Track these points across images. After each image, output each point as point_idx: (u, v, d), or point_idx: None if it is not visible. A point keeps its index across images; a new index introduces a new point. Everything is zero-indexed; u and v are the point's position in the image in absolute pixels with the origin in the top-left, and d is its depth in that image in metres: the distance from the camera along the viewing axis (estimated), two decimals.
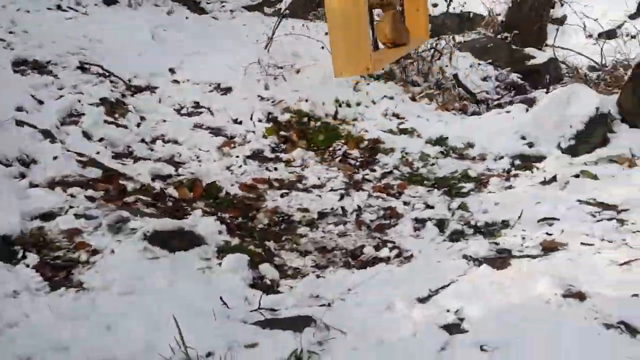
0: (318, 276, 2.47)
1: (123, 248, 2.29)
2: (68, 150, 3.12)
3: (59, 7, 5.00)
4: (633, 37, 9.41)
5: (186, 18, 6.02)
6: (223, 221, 2.78)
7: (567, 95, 3.96)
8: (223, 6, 6.86)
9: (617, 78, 5.38)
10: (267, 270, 2.43)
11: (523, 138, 3.90)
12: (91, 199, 2.74)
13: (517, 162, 3.64)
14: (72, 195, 2.70)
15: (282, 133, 4.04)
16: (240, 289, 2.21)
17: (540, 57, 6.72)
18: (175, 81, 4.50)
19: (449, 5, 5.68)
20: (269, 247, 2.72)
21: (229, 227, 2.75)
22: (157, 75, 4.48)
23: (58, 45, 4.33)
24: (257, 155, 3.74)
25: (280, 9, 8.62)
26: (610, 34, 10.30)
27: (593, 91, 4.02)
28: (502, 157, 3.70)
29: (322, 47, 5.07)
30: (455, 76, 5.64)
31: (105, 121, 3.64)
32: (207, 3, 6.91)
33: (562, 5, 12.79)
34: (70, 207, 2.55)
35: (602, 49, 6.58)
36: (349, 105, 4.57)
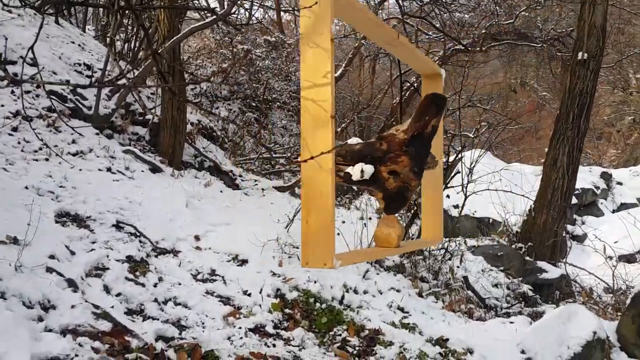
0: None
1: None
2: (86, 301, 3.35)
3: (109, 169, 5.56)
4: None
5: (220, 191, 6.55)
6: None
7: (567, 315, 4.09)
8: (256, 184, 7.44)
9: (624, 303, 5.47)
10: None
11: (523, 352, 3.98)
12: (96, 350, 2.93)
13: None
14: (80, 345, 2.90)
15: (287, 310, 4.21)
16: None
17: (552, 272, 6.91)
18: (198, 248, 4.83)
19: (462, 208, 6.08)
20: None
21: None
22: (183, 240, 4.83)
23: (101, 203, 4.77)
24: (258, 329, 3.88)
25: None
26: (630, 258, 10.55)
27: (592, 314, 4.14)
28: None
29: (338, 234, 5.41)
30: (466, 279, 5.84)
31: (126, 278, 3.92)
32: (242, 180, 7.52)
33: (582, 223, 13.26)
34: (76, 355, 2.73)
35: (613, 273, 6.70)
36: (355, 292, 4.77)
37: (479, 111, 9.98)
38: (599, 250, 7.86)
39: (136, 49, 8.78)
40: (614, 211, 13.87)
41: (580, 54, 7.34)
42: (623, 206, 14.07)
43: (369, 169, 1.77)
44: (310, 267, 1.29)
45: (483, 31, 14.49)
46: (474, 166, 5.84)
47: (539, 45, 14.47)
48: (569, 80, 7.57)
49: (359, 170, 1.75)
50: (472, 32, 14.42)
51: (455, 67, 13.61)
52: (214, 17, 6.66)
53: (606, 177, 14.97)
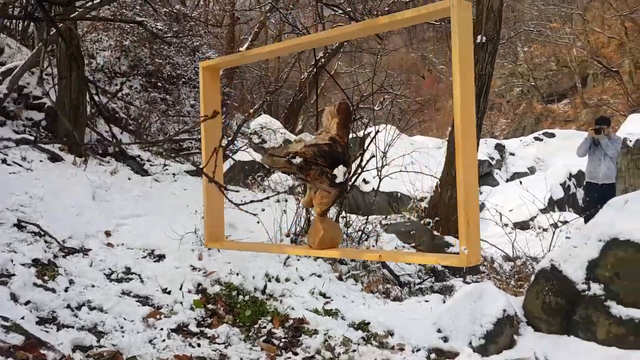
0: None
1: None
2: None
3: (4, 161, 5.13)
4: (544, 229, 10.39)
5: (128, 179, 6.25)
6: None
7: (479, 293, 4.29)
8: (166, 169, 7.16)
9: (526, 277, 5.82)
10: None
11: (439, 331, 4.13)
12: None
13: (433, 355, 3.84)
14: None
15: (209, 306, 4.12)
16: None
17: (458, 245, 7.23)
18: (110, 244, 4.58)
19: (377, 191, 6.21)
20: None
21: None
22: (92, 237, 4.57)
23: None
24: (182, 329, 3.77)
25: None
26: (524, 225, 11.39)
27: (501, 292, 4.36)
28: (419, 350, 3.90)
29: (258, 222, 5.36)
30: (366, 250, 6.00)
31: (34, 284, 3.64)
32: (151, 165, 7.21)
33: (480, 193, 14.01)
34: None
35: (513, 244, 7.05)
36: (278, 281, 4.75)
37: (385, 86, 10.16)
38: (495, 219, 8.33)
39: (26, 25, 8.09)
40: (507, 180, 14.79)
41: (479, 37, 7.62)
42: (516, 175, 15.04)
43: (345, 172, 1.73)
44: (471, 265, 1.42)
45: (386, 9, 14.72)
46: (387, 150, 5.95)
47: (438, 23, 14.92)
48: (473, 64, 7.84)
49: (342, 173, 1.70)
50: (376, 9, 14.59)
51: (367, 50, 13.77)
52: None
53: (500, 148, 15.88)
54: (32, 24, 7.74)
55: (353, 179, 6.15)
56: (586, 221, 7.13)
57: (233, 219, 5.36)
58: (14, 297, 3.45)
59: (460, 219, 1.41)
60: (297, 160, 1.69)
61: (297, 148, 1.72)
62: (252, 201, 1.49)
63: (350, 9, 13.18)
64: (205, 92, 1.96)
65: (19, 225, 4.24)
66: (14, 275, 3.62)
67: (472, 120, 1.44)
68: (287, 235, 5.38)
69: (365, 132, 6.58)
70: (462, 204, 1.39)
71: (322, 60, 12.60)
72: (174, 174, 7.03)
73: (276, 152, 1.76)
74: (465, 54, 1.39)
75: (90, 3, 4.98)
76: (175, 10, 13.05)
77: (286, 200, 6.76)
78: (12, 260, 3.75)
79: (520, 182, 11.75)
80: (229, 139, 8.21)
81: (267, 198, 1.58)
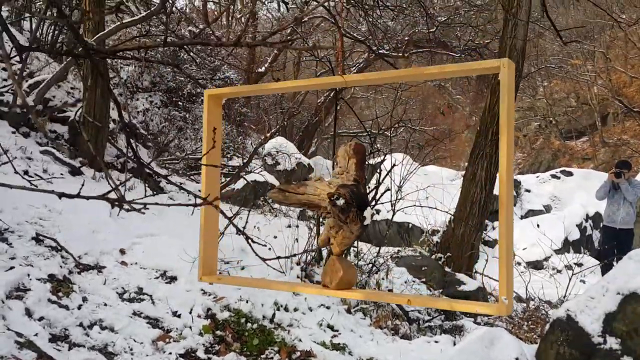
0: None
1: None
2: (8, 329, 3.13)
3: (26, 172, 5.21)
4: (559, 271, 10.28)
5: (145, 196, 6.30)
6: None
7: (491, 338, 4.25)
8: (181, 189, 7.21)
9: (539, 321, 5.76)
10: None
11: None
12: None
13: None
14: None
15: (218, 332, 4.13)
16: None
17: (470, 284, 7.18)
18: (124, 263, 4.63)
19: (390, 224, 6.22)
20: None
21: None
22: (107, 254, 4.62)
23: (19, 212, 4.46)
24: (189, 355, 3.78)
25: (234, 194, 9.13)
26: (537, 265, 11.29)
27: (514, 338, 4.32)
28: None
29: (269, 249, 5.38)
30: (391, 292, 5.98)
31: (49, 300, 3.69)
32: (167, 183, 7.28)
33: (493, 229, 13.92)
34: None
35: (527, 287, 6.93)
36: (286, 310, 4.75)
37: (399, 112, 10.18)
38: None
39: (56, 34, 8.25)
40: (522, 217, 14.67)
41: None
42: (530, 212, 14.91)
43: (371, 214, 1.76)
44: (508, 314, 1.56)
45: (406, 38, 14.85)
46: (403, 184, 5.97)
47: (458, 54, 14.99)
48: (489, 99, 7.88)
49: (369, 215, 1.73)
50: (395, 39, 14.70)
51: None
52: (148, 12, 6.40)
53: (515, 184, 15.80)
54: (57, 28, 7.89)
55: None
56: (603, 269, 7.06)
57: (244, 244, 5.39)
58: (28, 313, 3.49)
59: (501, 271, 1.46)
60: (341, 202, 1.70)
61: (327, 188, 1.74)
62: (278, 257, 1.52)
63: (370, 37, 13.31)
64: (209, 119, 1.97)
65: (37, 239, 4.29)
66: (29, 290, 3.67)
67: (511, 179, 1.50)
68: (298, 264, 5.39)
69: (378, 160, 6.61)
70: (504, 258, 1.45)
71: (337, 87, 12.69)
72: (189, 193, 7.07)
73: (290, 189, 1.79)
74: (510, 111, 1.47)
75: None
76: (199, 28, 13.25)
77: (297, 226, 6.79)
78: (28, 275, 3.80)
79: (538, 225, 11.67)
80: (245, 161, 8.27)
81: (294, 255, 1.61)
